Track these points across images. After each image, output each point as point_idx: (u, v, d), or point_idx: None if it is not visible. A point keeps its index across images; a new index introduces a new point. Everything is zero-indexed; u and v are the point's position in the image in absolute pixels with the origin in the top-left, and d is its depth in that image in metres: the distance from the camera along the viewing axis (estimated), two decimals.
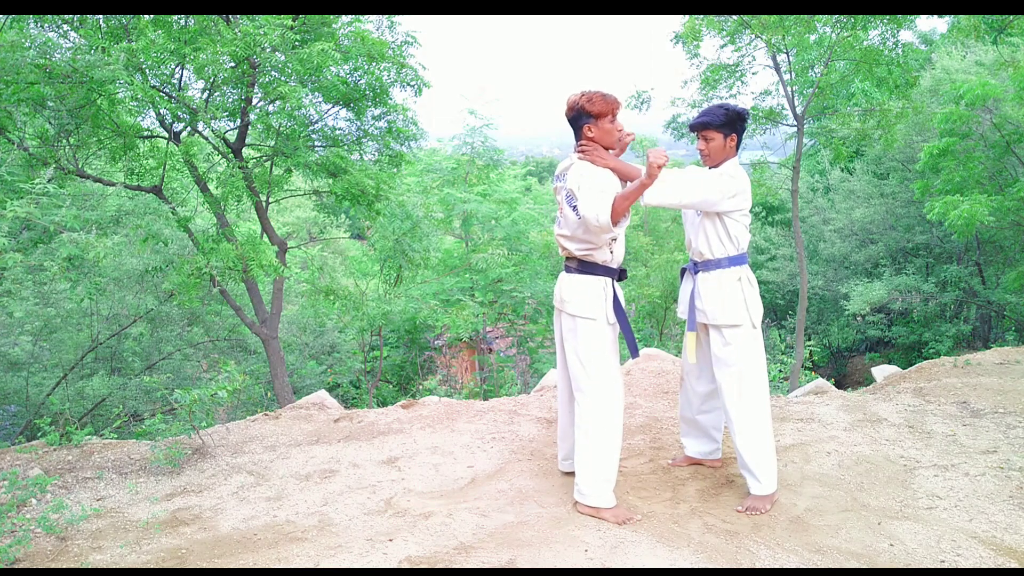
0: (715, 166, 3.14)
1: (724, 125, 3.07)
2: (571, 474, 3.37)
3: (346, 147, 7.19)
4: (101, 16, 5.86)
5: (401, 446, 3.99)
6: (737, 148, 3.14)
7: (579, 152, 3.01)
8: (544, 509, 3.10)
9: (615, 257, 3.04)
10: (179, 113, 6.13)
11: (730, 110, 3.09)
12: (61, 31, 5.97)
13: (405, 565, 2.65)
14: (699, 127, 3.12)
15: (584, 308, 2.99)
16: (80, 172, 6.16)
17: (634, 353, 3.17)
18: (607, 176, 2.93)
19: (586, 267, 3.02)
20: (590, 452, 3.01)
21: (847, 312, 13.90)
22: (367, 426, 4.40)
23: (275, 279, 7.15)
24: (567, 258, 3.10)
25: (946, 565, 2.59)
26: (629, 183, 2.93)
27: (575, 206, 2.88)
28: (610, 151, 3.04)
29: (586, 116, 2.97)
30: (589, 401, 3.03)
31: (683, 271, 3.34)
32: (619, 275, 3.08)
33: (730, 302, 3.08)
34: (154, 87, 5.87)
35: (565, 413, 3.31)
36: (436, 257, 10.85)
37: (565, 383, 3.25)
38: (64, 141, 5.93)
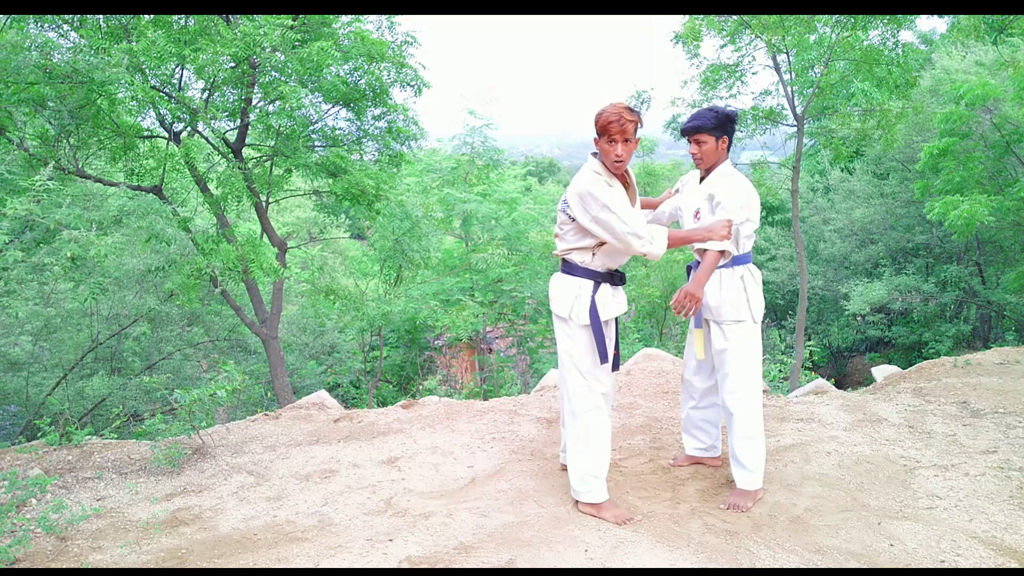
0: (708, 168, 3.17)
1: (715, 128, 3.08)
2: None
3: (346, 147, 7.19)
4: (101, 16, 5.87)
5: (401, 446, 3.99)
6: (728, 149, 3.16)
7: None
8: (544, 509, 3.11)
9: (595, 261, 2.99)
10: (179, 113, 6.13)
11: (720, 113, 3.09)
12: (61, 31, 5.97)
13: (405, 565, 2.65)
14: (691, 131, 3.11)
15: (559, 306, 3.03)
16: (80, 172, 6.16)
17: (603, 359, 2.98)
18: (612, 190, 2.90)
19: (567, 267, 3.04)
20: (572, 449, 3.07)
21: (847, 312, 13.87)
22: (367, 426, 4.39)
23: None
24: (561, 259, 3.12)
25: (946, 565, 2.59)
26: (687, 230, 3.07)
27: (596, 217, 2.83)
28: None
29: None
30: (565, 398, 3.09)
31: (689, 269, 3.36)
32: (612, 280, 3.04)
33: (733, 299, 3.13)
34: (154, 87, 5.87)
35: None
36: (436, 257, 10.85)
37: None
38: (64, 141, 5.93)
